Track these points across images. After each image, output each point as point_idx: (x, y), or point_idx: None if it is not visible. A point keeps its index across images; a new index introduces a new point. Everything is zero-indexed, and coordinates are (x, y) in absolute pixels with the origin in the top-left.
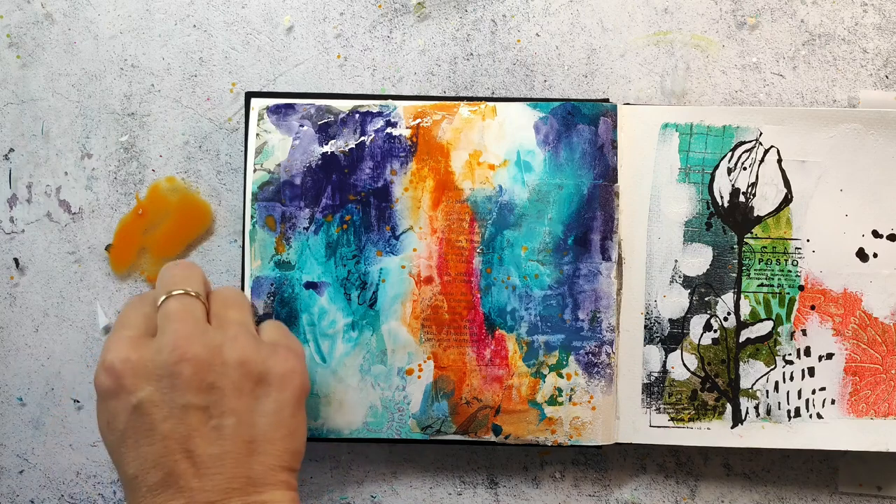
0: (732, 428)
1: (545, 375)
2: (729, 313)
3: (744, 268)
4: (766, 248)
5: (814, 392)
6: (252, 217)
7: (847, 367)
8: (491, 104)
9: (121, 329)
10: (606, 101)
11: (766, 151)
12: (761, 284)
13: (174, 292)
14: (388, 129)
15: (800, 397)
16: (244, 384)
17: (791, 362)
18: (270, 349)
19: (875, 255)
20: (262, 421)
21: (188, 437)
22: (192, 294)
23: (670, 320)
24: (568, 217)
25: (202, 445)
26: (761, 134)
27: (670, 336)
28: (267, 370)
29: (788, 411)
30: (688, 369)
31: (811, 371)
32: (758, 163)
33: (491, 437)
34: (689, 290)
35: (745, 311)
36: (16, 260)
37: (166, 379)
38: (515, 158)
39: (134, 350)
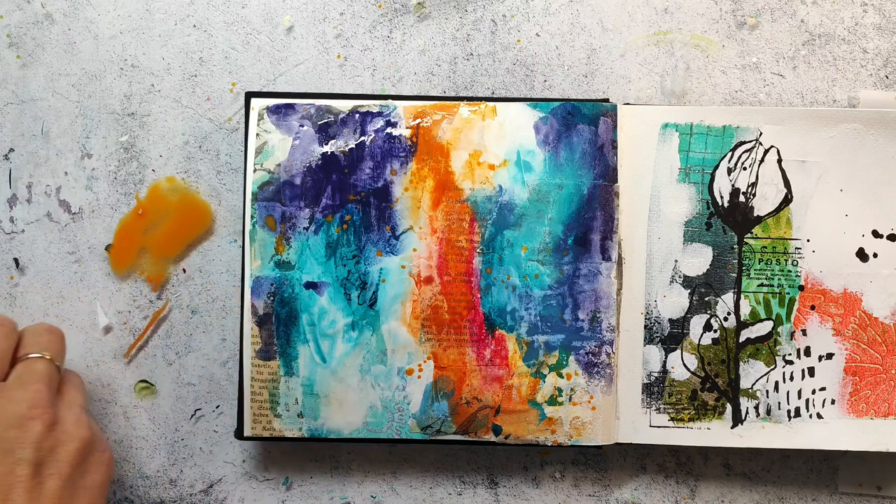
0: (732, 428)
1: (545, 375)
2: (729, 313)
3: (744, 268)
4: (766, 248)
5: (814, 392)
6: (252, 217)
7: (847, 367)
8: (491, 104)
9: None
10: (606, 101)
11: (766, 151)
12: (761, 284)
13: (45, 355)
14: (388, 129)
15: (800, 397)
16: (78, 456)
17: (791, 362)
18: (98, 434)
19: (875, 255)
20: (81, 493)
21: (11, 486)
22: (56, 365)
23: (670, 320)
24: (568, 217)
25: (21, 498)
26: (761, 134)
27: (670, 336)
28: (96, 449)
29: (788, 411)
30: (688, 369)
31: (811, 371)
32: (758, 163)
33: (491, 437)
34: (689, 290)
35: (745, 311)
36: (16, 260)
37: (13, 430)
38: (515, 158)
39: None
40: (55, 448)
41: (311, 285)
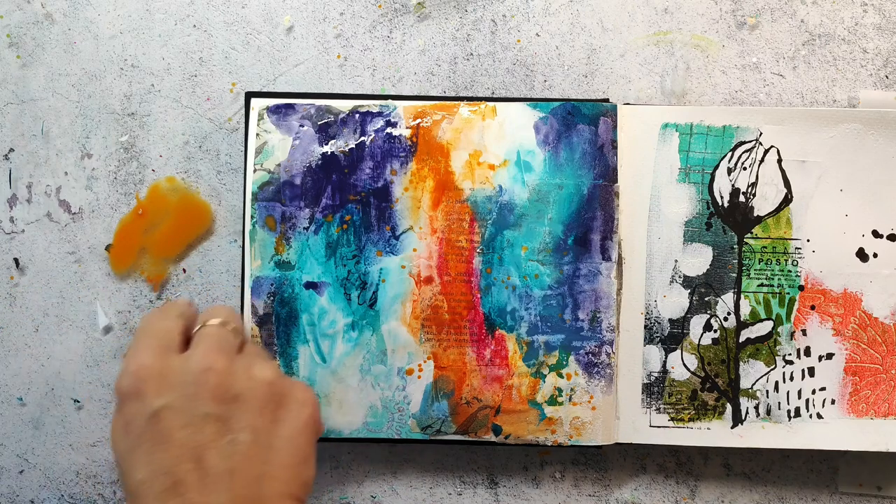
0: (732, 428)
1: (545, 375)
2: (729, 313)
3: (744, 268)
4: (766, 248)
5: (814, 392)
6: (252, 217)
7: (847, 367)
8: (491, 104)
9: (145, 337)
10: (606, 101)
11: (766, 151)
12: (761, 284)
13: (212, 321)
14: (388, 129)
15: (800, 397)
16: (267, 403)
17: (791, 362)
18: (294, 380)
19: (875, 255)
20: (279, 444)
21: (202, 447)
22: (230, 327)
23: (670, 320)
24: (568, 217)
25: (214, 458)
26: (761, 134)
27: (670, 336)
28: (291, 395)
29: (788, 411)
30: (688, 369)
31: (811, 371)
32: (758, 163)
33: (491, 437)
34: (689, 290)
35: (745, 311)
36: (16, 260)
37: (190, 387)
38: (515, 158)
39: (160, 358)
40: (238, 398)
41: (311, 285)
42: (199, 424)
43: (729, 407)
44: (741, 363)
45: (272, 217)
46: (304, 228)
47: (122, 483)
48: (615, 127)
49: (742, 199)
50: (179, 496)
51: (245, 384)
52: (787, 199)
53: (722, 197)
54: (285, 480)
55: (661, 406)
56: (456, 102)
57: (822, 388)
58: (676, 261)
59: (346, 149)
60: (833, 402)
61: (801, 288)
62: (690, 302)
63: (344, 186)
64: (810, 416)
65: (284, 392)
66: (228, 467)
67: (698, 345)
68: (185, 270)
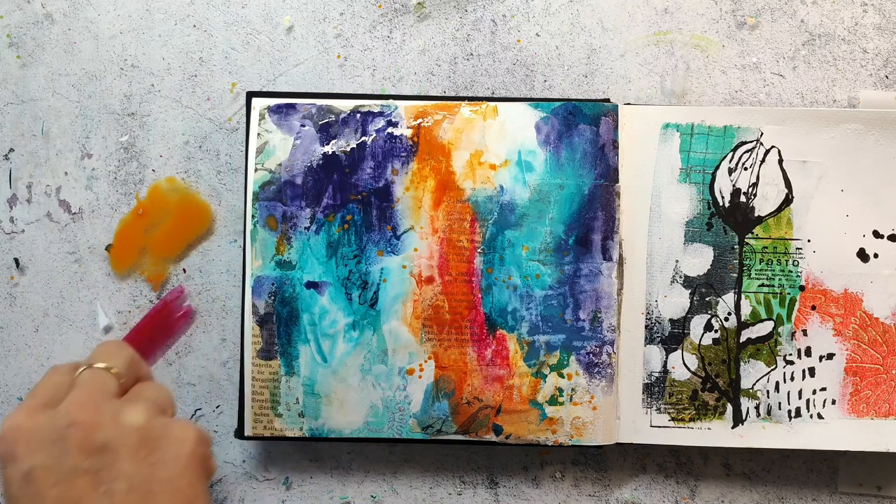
0: (733, 428)
1: (546, 375)
2: (729, 313)
3: (744, 268)
4: (766, 248)
5: (814, 392)
6: (253, 217)
7: (847, 368)
8: (492, 104)
9: (27, 399)
10: (607, 101)
11: (767, 152)
12: (762, 285)
13: (95, 365)
14: (389, 129)
15: (800, 397)
16: (140, 449)
17: (792, 362)
18: (171, 420)
19: (876, 256)
20: (157, 489)
21: (77, 503)
22: (111, 371)
23: (671, 320)
24: (569, 217)
25: None
26: (762, 134)
27: (671, 336)
28: (167, 436)
29: (789, 411)
30: (688, 369)
31: (812, 371)
32: (759, 163)
33: (492, 437)
34: (689, 291)
35: (745, 311)
36: (16, 260)
37: (57, 444)
38: (517, 158)
39: (30, 418)
40: (106, 448)
41: (312, 285)
42: (70, 480)
43: (729, 407)
44: (742, 363)
45: (273, 217)
46: (306, 228)
47: None
48: (616, 127)
49: (743, 199)
50: None
51: (112, 432)
52: (788, 200)
53: (723, 197)
54: None
55: (662, 406)
56: (457, 102)
57: (823, 389)
58: (677, 261)
59: (348, 148)
60: (833, 402)
61: (802, 288)
62: (691, 302)
63: (345, 186)
64: (811, 416)
65: (158, 434)
66: None
67: (699, 345)
68: (185, 270)
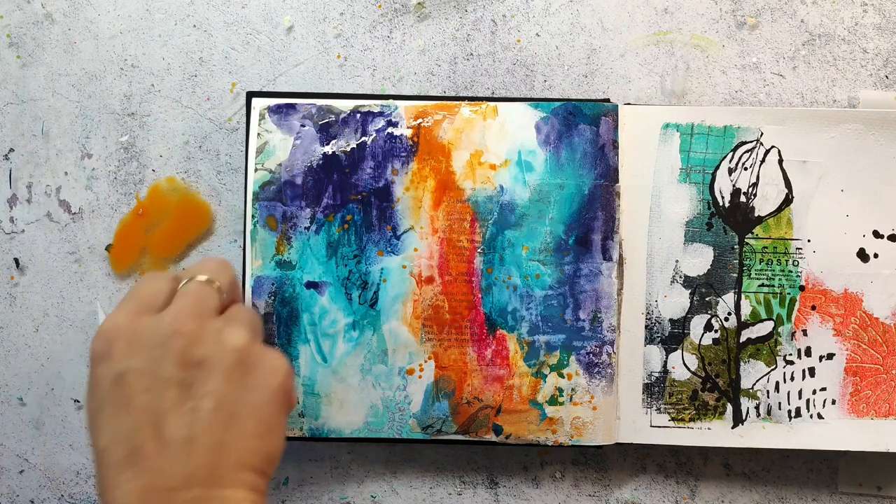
0: (733, 428)
1: (546, 375)
2: (729, 313)
3: (744, 268)
4: (766, 248)
5: (814, 392)
6: (253, 217)
7: (848, 368)
8: (492, 104)
9: (127, 301)
10: (607, 101)
11: (767, 152)
12: (762, 285)
13: (198, 278)
14: (389, 129)
15: (800, 397)
16: (234, 370)
17: (792, 362)
18: (267, 348)
19: (876, 256)
20: (243, 412)
21: (163, 413)
22: (215, 285)
23: (671, 320)
24: (569, 217)
25: (174, 425)
26: (762, 134)
27: (671, 336)
28: (261, 363)
29: (789, 411)
30: (688, 369)
31: (812, 371)
32: (759, 163)
33: (492, 437)
34: (689, 291)
35: (745, 311)
36: (16, 260)
37: (157, 349)
38: (517, 158)
39: (133, 320)
40: (203, 363)
41: (312, 285)
42: (162, 389)
43: (729, 407)
44: (742, 363)
45: (273, 217)
46: (306, 228)
47: (92, 448)
48: (616, 127)
49: (743, 199)
50: (136, 465)
51: (212, 349)
52: (788, 200)
53: (723, 197)
54: (246, 451)
55: (662, 406)
56: (457, 102)
57: (823, 389)
58: (677, 261)
59: (348, 148)
60: (833, 402)
61: (802, 288)
62: (691, 302)
63: (345, 186)
64: (811, 416)
65: (254, 359)
66: (187, 435)
67: (699, 345)
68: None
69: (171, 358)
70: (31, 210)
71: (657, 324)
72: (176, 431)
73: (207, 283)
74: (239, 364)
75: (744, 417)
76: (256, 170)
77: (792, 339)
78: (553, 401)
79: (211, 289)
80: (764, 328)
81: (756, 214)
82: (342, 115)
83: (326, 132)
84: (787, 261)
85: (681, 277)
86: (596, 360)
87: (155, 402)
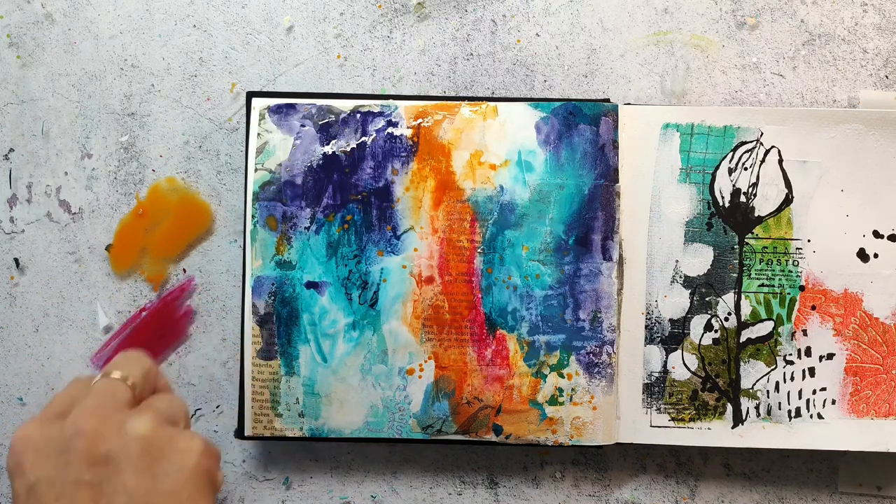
0: (733, 428)
1: (546, 375)
2: (729, 313)
3: (744, 268)
4: (766, 248)
5: (814, 392)
6: (253, 217)
7: (848, 368)
8: (492, 104)
9: (43, 410)
10: (607, 101)
11: (767, 152)
12: (762, 285)
13: (112, 375)
14: (389, 129)
15: (800, 397)
16: (142, 460)
17: (792, 362)
18: (179, 431)
19: (876, 256)
20: (158, 501)
21: None
22: (127, 381)
23: (671, 320)
24: (569, 217)
25: None
26: (762, 134)
27: (671, 336)
28: (172, 446)
29: (789, 411)
30: (688, 369)
31: (812, 371)
32: (759, 163)
33: (492, 437)
34: (689, 291)
35: (745, 311)
36: (16, 260)
37: (63, 455)
38: (517, 158)
39: (40, 429)
40: (109, 459)
41: (312, 285)
42: (72, 493)
43: (729, 407)
44: (742, 363)
45: (273, 217)
46: (306, 228)
47: None
48: (616, 127)
49: (743, 199)
50: None
51: (115, 443)
52: (788, 200)
53: (723, 197)
54: None
55: (662, 406)
56: (457, 102)
57: (823, 389)
58: (677, 261)
59: (348, 148)
60: (833, 402)
61: (802, 288)
62: (691, 302)
63: (345, 186)
64: (811, 416)
65: (162, 445)
66: None
67: (699, 345)
68: (185, 270)
69: (75, 461)
70: (31, 210)
71: (657, 324)
72: None
73: (118, 380)
74: (145, 452)
75: (744, 417)
76: (256, 170)
77: (792, 339)
78: (553, 401)
79: (120, 384)
80: (764, 328)
81: (756, 214)
82: (342, 115)
83: (326, 132)
84: (787, 261)
85: (681, 277)
86: (596, 360)
87: None
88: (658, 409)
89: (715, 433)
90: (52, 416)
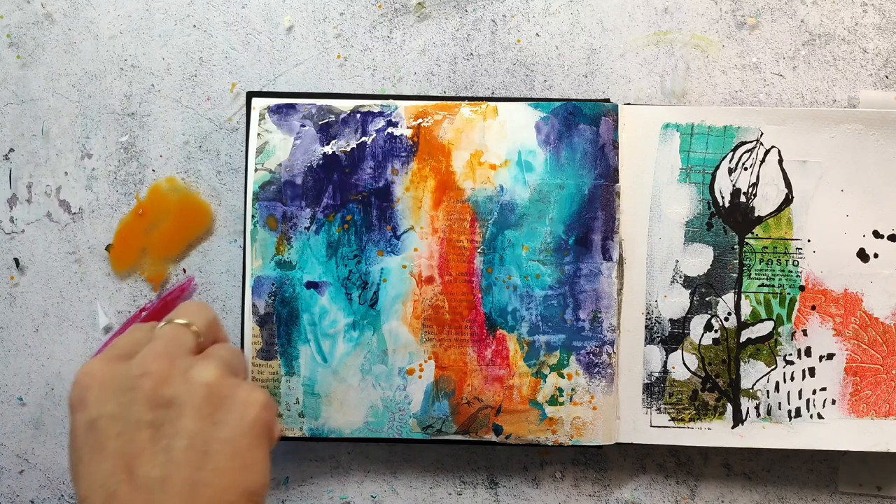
0: (733, 428)
1: (546, 375)
2: (729, 313)
3: (744, 268)
4: (766, 248)
5: (814, 392)
6: (253, 217)
7: (847, 368)
8: (492, 104)
9: (107, 350)
10: (607, 101)
11: (767, 152)
12: (762, 285)
13: (175, 321)
14: (389, 129)
15: (800, 397)
16: (204, 407)
17: (792, 362)
18: (241, 382)
19: (876, 256)
20: (216, 448)
21: (135, 455)
22: (191, 328)
23: (671, 320)
24: (569, 217)
25: (146, 466)
26: (762, 134)
27: (671, 336)
28: (233, 396)
29: (789, 411)
30: (688, 369)
31: (812, 371)
32: (759, 163)
33: (492, 437)
34: (689, 291)
35: (745, 311)
36: (16, 260)
37: (128, 393)
38: (517, 158)
39: (106, 367)
40: (173, 402)
41: (312, 285)
42: (133, 432)
43: (729, 407)
44: (742, 363)
45: (273, 217)
46: (306, 228)
47: (76, 497)
48: (616, 127)
49: (743, 199)
50: None
51: (181, 387)
52: (788, 200)
53: (723, 197)
54: (221, 488)
55: (662, 406)
56: (457, 102)
57: (823, 389)
58: (677, 261)
59: (348, 148)
60: (833, 402)
61: (802, 288)
62: (691, 302)
63: (345, 186)
64: (811, 416)
65: (225, 393)
66: (161, 475)
67: (699, 345)
68: (185, 270)
69: (140, 400)
70: (31, 210)
71: (657, 324)
72: (149, 472)
73: (182, 326)
74: (209, 400)
75: (744, 417)
76: (256, 170)
77: (792, 339)
78: (553, 401)
79: (186, 330)
80: (764, 328)
81: (756, 214)
82: (342, 115)
83: (326, 132)
84: (787, 261)
85: (681, 277)
86: (596, 360)
87: (127, 445)
88: (658, 409)
89: (715, 433)
90: (117, 357)
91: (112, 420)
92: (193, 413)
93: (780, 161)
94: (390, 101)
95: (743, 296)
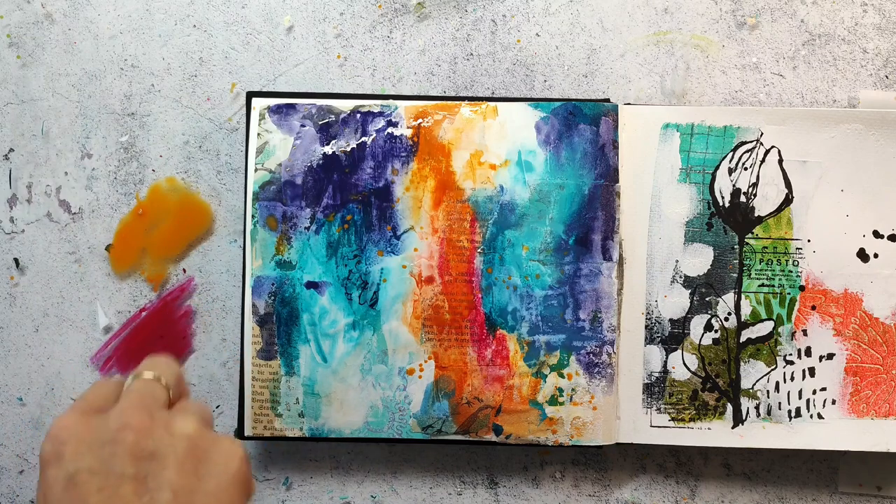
0: (733, 428)
1: (546, 375)
2: (730, 313)
3: (744, 268)
4: (766, 248)
5: (814, 392)
6: (253, 217)
7: (848, 368)
8: (492, 104)
9: (76, 403)
10: (607, 101)
11: (767, 152)
12: (762, 285)
13: (144, 375)
14: (389, 129)
15: (800, 397)
16: (187, 459)
17: (792, 362)
18: (220, 435)
19: (876, 256)
20: (201, 501)
21: None
22: (161, 381)
23: (671, 320)
24: (569, 217)
25: None
26: (762, 134)
27: (671, 336)
28: (215, 449)
29: (789, 411)
30: (688, 369)
31: (812, 371)
32: (759, 163)
33: (492, 437)
34: (689, 291)
35: (745, 311)
36: (16, 260)
37: (107, 447)
38: (517, 158)
39: (81, 420)
40: (155, 455)
41: (312, 285)
42: (115, 486)
43: (729, 407)
44: (742, 363)
45: (273, 217)
46: (306, 228)
47: None
48: (616, 127)
49: (743, 199)
50: None
51: (163, 440)
52: (788, 200)
53: (723, 197)
54: None
55: (662, 406)
56: (457, 102)
57: (823, 389)
58: (677, 261)
59: (348, 148)
60: (833, 402)
61: (802, 288)
62: (691, 302)
63: (345, 186)
64: (811, 416)
65: (207, 446)
66: None
67: (699, 345)
68: (185, 270)
69: (121, 453)
70: (31, 210)
71: (657, 324)
72: None
73: (153, 380)
74: (191, 452)
75: (744, 417)
76: (256, 170)
77: (792, 339)
78: (553, 401)
79: (157, 384)
80: (764, 328)
81: (756, 214)
82: (342, 115)
83: (326, 132)
84: (787, 261)
85: (681, 277)
86: (596, 360)
87: (110, 499)
88: (658, 409)
89: (715, 433)
90: (90, 410)
91: (92, 474)
92: (177, 466)
93: (780, 161)
94: (390, 101)
95: (743, 296)
